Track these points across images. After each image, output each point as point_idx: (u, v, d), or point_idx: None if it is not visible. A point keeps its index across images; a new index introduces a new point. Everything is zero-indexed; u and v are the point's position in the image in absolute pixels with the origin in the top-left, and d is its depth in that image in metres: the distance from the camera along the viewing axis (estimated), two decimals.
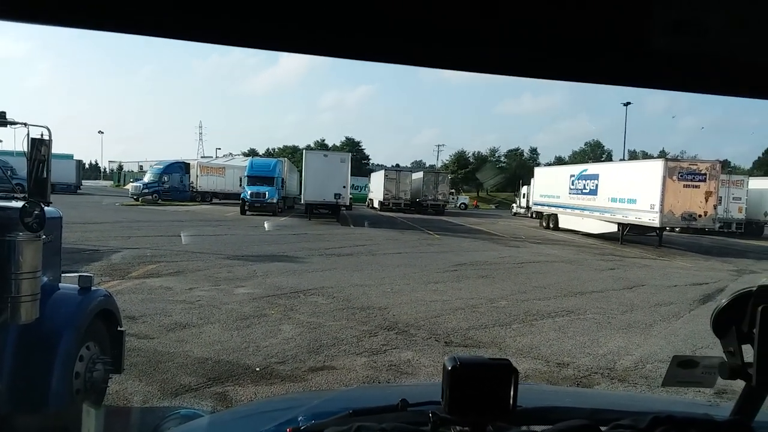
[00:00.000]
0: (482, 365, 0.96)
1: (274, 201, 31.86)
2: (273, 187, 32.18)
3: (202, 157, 77.19)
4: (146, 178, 43.53)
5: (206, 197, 46.72)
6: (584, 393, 3.67)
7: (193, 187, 46.75)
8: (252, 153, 73.47)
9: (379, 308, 8.61)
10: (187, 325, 7.13)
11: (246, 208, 31.26)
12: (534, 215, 37.12)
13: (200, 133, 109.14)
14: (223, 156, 72.81)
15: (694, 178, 21.15)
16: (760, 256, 21.69)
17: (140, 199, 39.81)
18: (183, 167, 46.41)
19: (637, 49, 0.73)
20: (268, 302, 8.64)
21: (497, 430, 1.10)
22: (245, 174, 33.94)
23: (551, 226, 30.79)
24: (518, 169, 78.41)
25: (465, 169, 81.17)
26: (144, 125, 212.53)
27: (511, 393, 0.94)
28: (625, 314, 9.18)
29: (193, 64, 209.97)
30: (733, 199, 32.40)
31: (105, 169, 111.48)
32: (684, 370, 1.29)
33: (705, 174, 21.20)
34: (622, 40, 0.73)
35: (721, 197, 25.23)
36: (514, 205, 53.23)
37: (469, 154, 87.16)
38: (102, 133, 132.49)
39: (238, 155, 67.93)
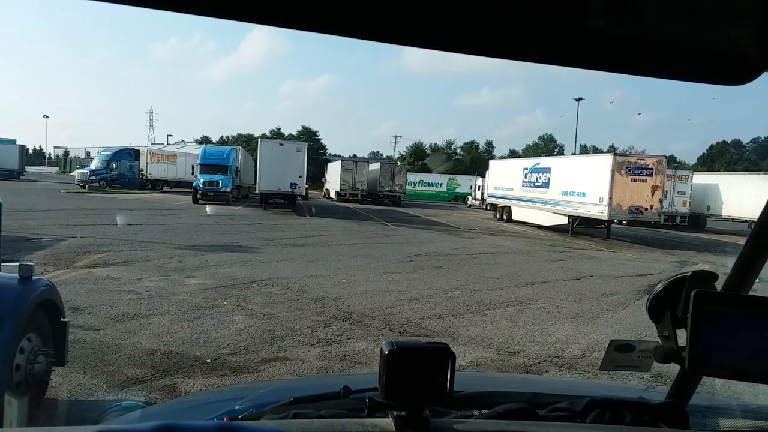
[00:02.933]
0: (419, 349, 0.95)
1: (228, 190, 31.33)
2: (227, 175, 31.62)
3: (152, 144, 75.22)
4: (93, 165, 42.08)
5: (157, 185, 45.52)
6: (527, 379, 3.76)
7: (143, 174, 45.42)
8: (205, 141, 72.00)
9: (334, 299, 8.58)
10: (135, 316, 6.93)
11: (198, 196, 30.62)
12: (489, 207, 37.76)
13: (151, 120, 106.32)
14: (175, 143, 71.16)
15: (641, 172, 21.89)
16: (702, 248, 22.67)
17: (87, 186, 38.55)
18: (132, 154, 45.00)
19: (571, 29, 0.73)
20: (220, 293, 8.48)
21: (434, 413, 1.10)
22: (198, 162, 33.19)
23: (505, 218, 31.35)
24: (474, 161, 79.49)
25: (422, 161, 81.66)
26: (92, 110, 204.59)
27: (448, 377, 0.94)
28: (573, 304, 9.45)
29: (152, 48, 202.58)
30: (678, 193, 33.75)
31: (50, 154, 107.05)
32: (621, 354, 1.31)
33: (652, 169, 21.96)
34: (556, 20, 0.73)
35: (666, 191, 26.26)
36: (469, 197, 53.96)
37: (426, 146, 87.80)
38: (47, 117, 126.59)
39: (191, 143, 66.51)
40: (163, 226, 18.42)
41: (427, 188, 65.84)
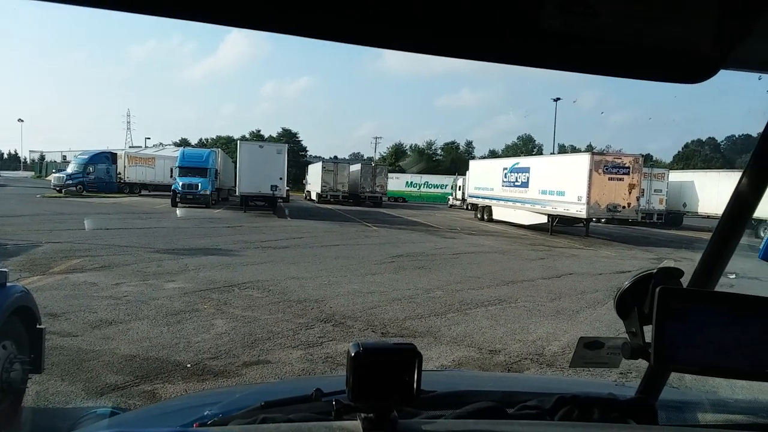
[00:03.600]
0: (386, 350, 0.95)
1: (208, 193, 31.04)
2: (206, 178, 31.32)
3: (130, 146, 74.14)
4: (70, 169, 41.49)
5: (135, 189, 44.95)
6: (505, 377, 3.80)
7: (120, 178, 44.85)
8: (184, 143, 71.21)
9: (315, 300, 8.56)
10: (113, 321, 6.84)
11: (177, 200, 30.31)
12: (469, 207, 37.96)
13: (128, 122, 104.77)
14: (153, 146, 70.21)
15: (618, 171, 22.19)
16: (679, 245, 23.04)
17: (63, 190, 37.95)
18: (110, 157, 44.48)
19: (527, 28, 0.74)
20: (200, 297, 8.41)
21: (404, 415, 1.10)
22: (176, 165, 32.85)
23: (486, 217, 31.56)
24: (454, 162, 79.83)
25: (402, 162, 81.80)
26: (69, 113, 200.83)
27: (415, 377, 0.94)
28: (553, 302, 9.54)
29: (130, 49, 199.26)
30: (655, 191, 34.28)
31: (26, 159, 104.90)
32: (591, 351, 1.32)
33: (629, 167, 22.28)
34: (511, 19, 0.73)
35: (643, 189, 26.58)
36: (450, 197, 54.18)
37: (407, 147, 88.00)
38: (22, 121, 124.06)
39: (169, 145, 65.63)
40: (142, 230, 18.20)
41: (432, 190, 65.44)
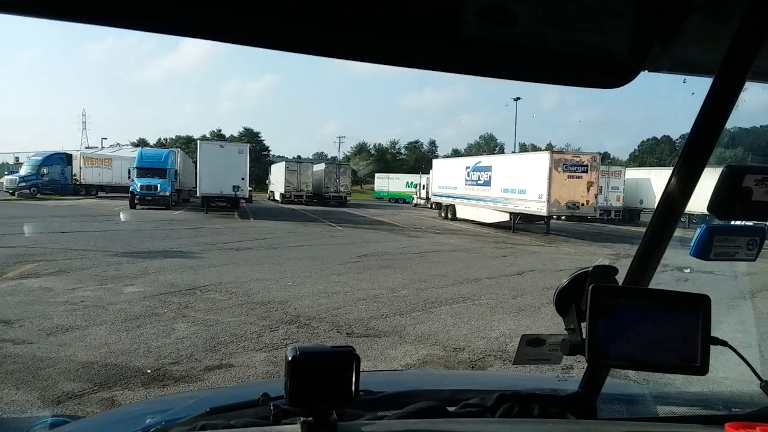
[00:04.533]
0: (323, 354, 0.95)
1: (167, 194, 30.42)
2: (165, 179, 30.70)
3: (86, 147, 72.17)
4: (23, 171, 40.16)
5: (91, 191, 43.85)
6: (454, 375, 3.84)
7: (76, 179, 43.65)
8: (142, 143, 69.66)
9: (280, 302, 8.48)
10: (70, 327, 6.63)
11: (136, 201, 29.68)
12: (433, 206, 38.23)
13: (84, 122, 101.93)
14: (110, 146, 68.49)
15: (577, 169, 22.69)
16: (635, 241, 23.52)
17: (16, 193, 36.74)
18: (64, 158, 43.18)
19: (447, 36, 0.75)
20: (160, 301, 8.23)
21: (347, 417, 1.10)
22: (134, 165, 32.09)
23: (450, 216, 31.83)
24: (418, 160, 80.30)
25: (366, 161, 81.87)
26: (21, 113, 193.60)
27: (353, 379, 0.94)
28: (516, 299, 9.69)
29: (86, 47, 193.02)
30: (612, 188, 35.22)
31: None
32: (533, 348, 1.35)
33: (587, 165, 22.81)
34: (432, 26, 0.75)
35: (601, 187, 27.25)
36: (414, 196, 54.43)
37: (371, 146, 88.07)
38: None
39: (127, 145, 64.11)
40: (99, 233, 17.71)
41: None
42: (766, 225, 1.26)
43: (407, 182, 63.53)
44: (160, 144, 77.74)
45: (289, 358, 0.91)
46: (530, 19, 0.76)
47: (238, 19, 0.70)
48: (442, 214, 33.24)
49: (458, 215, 30.82)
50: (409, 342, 6.74)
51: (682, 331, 1.03)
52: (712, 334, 1.05)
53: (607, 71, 0.89)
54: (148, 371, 5.35)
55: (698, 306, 1.04)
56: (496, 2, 0.74)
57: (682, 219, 1.20)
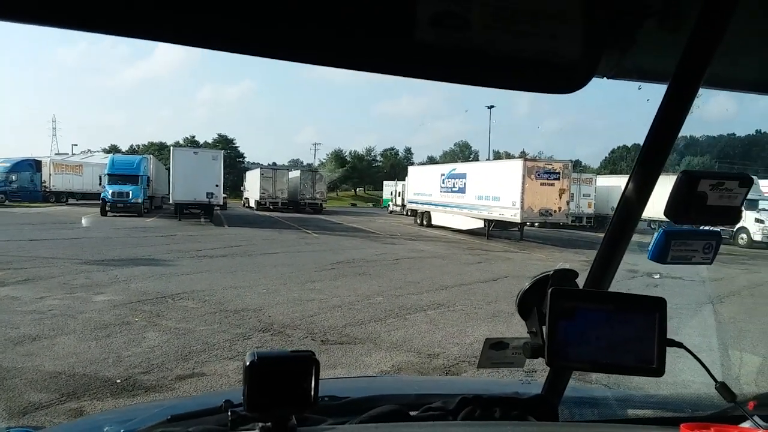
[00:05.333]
0: (282, 359, 0.95)
1: (139, 201, 29.97)
2: (138, 186, 30.23)
3: (56, 154, 70.72)
4: None
5: (61, 198, 42.94)
6: (422, 380, 3.85)
7: (45, 186, 42.66)
8: (114, 150, 68.51)
9: (254, 310, 8.40)
10: (37, 337, 6.48)
11: (107, 208, 29.14)
12: (409, 213, 38.30)
13: (54, 128, 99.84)
14: (81, 153, 67.25)
15: (549, 176, 22.99)
16: None
17: None
18: (34, 165, 42.31)
19: (400, 40, 0.77)
20: (131, 309, 8.09)
21: (309, 422, 1.10)
22: (105, 172, 31.53)
23: (425, 223, 31.92)
24: (394, 167, 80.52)
25: (342, 168, 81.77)
26: None
27: (312, 384, 0.94)
28: (490, 305, 9.77)
29: (58, 51, 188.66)
30: (584, 195, 35.72)
31: None
32: (496, 351, 1.36)
33: (559, 173, 23.13)
34: (385, 31, 0.76)
35: (573, 194, 27.64)
36: (390, 203, 54.48)
37: (347, 153, 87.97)
38: None
39: (98, 152, 63.00)
40: (69, 240, 17.34)
41: None
42: (721, 229, 1.31)
43: None
44: (133, 150, 76.52)
45: (247, 364, 0.91)
46: (482, 24, 0.77)
47: (181, 18, 0.70)
48: (418, 221, 33.31)
49: (433, 222, 30.92)
50: (384, 349, 6.74)
51: (639, 334, 1.05)
52: (675, 338, 1.08)
53: (559, 76, 0.91)
54: (118, 381, 5.26)
55: (655, 309, 1.06)
56: (448, 7, 0.75)
57: (652, 226, 1.23)
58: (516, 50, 0.83)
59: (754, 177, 30.32)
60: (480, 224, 25.76)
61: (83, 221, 22.87)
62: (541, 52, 0.84)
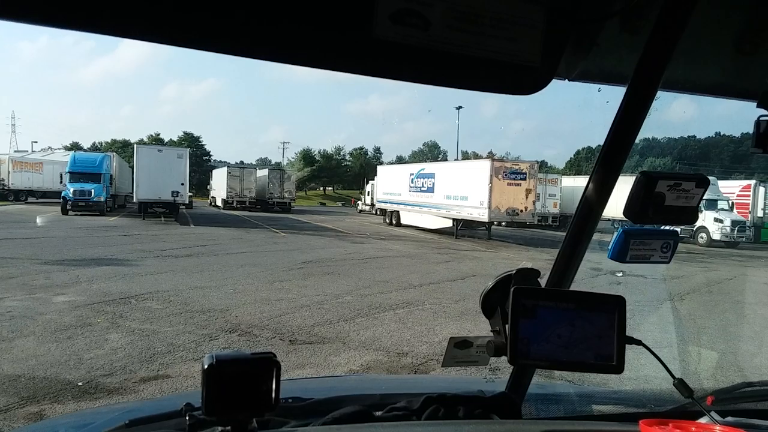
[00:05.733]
0: (241, 361, 0.93)
1: (102, 199, 29.28)
2: (100, 184, 29.53)
3: (15, 151, 68.43)
4: None
5: (21, 196, 41.67)
6: (379, 379, 3.86)
7: (4, 184, 41.30)
8: (75, 147, 66.73)
9: (220, 310, 8.29)
10: None
11: (68, 207, 28.39)
12: (378, 212, 38.32)
13: (13, 125, 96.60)
14: (41, 150, 65.29)
15: (516, 176, 23.31)
16: None
17: None
18: None
19: (360, 38, 0.77)
20: (93, 310, 7.89)
21: (266, 425, 1.09)
22: (67, 170, 30.69)
23: (394, 222, 31.98)
24: (363, 167, 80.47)
25: (311, 167, 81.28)
26: None
27: (273, 386, 0.92)
28: (458, 303, 9.85)
29: (18, 46, 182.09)
30: (549, 195, 36.31)
31: None
32: (460, 350, 1.37)
33: (525, 173, 23.47)
34: (345, 28, 0.76)
35: (539, 194, 28.09)
36: (359, 202, 54.40)
37: (315, 152, 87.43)
38: None
39: (59, 149, 61.24)
40: (28, 240, 16.83)
41: None
42: (680, 228, 1.34)
43: None
44: (95, 148, 74.65)
45: (205, 366, 0.89)
46: (442, 24, 0.78)
47: (127, 11, 0.70)
48: (387, 221, 33.35)
49: (402, 221, 31.01)
50: (352, 348, 6.74)
51: (599, 331, 1.07)
52: (637, 334, 1.10)
53: (520, 78, 0.92)
54: (80, 384, 5.13)
55: (614, 307, 1.08)
56: (409, 6, 0.76)
57: (615, 225, 1.26)
58: (477, 51, 0.83)
59: (713, 178, 31.41)
60: (448, 223, 25.95)
61: (38, 220, 22.22)
62: (502, 54, 0.85)
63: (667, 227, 1.22)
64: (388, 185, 32.90)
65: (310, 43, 0.76)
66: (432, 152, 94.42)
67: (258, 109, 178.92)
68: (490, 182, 22.69)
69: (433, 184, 27.14)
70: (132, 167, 31.81)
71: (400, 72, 0.88)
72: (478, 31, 0.80)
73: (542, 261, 17.73)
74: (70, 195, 28.63)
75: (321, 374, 5.62)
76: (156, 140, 73.69)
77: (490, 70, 0.88)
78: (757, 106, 1.17)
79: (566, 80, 1.16)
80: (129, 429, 1.15)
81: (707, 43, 1.10)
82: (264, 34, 0.74)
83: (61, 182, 32.54)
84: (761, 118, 1.17)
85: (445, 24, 0.78)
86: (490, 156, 42.36)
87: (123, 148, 66.78)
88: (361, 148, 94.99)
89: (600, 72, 1.20)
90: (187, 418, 1.04)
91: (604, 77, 1.23)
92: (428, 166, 30.01)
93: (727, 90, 1.33)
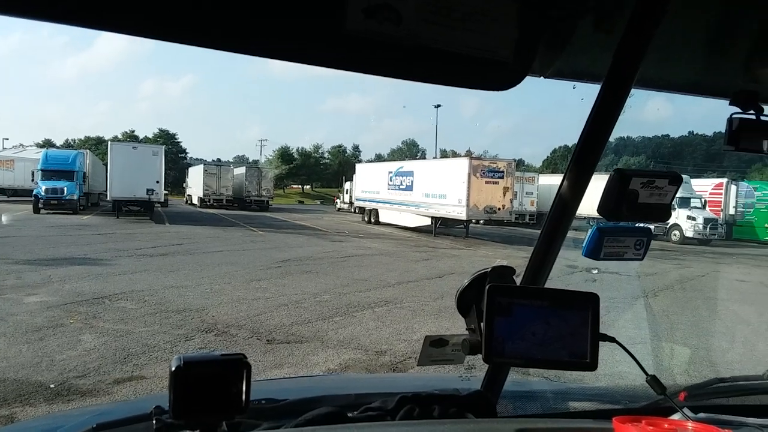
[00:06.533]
0: (210, 362, 0.91)
1: (75, 197, 28.74)
2: (73, 182, 28.98)
3: None
4: None
5: None
6: (354, 378, 3.86)
7: None
8: (48, 144, 65.38)
9: (196, 310, 8.20)
10: None
11: (40, 205, 27.82)
12: (357, 210, 38.29)
13: None
14: (13, 147, 63.76)
15: (494, 175, 23.49)
16: None
17: None
18: None
19: (332, 32, 0.76)
20: (66, 311, 7.74)
21: (237, 427, 1.07)
22: (39, 168, 30.09)
23: (373, 220, 31.98)
24: (341, 165, 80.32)
25: (289, 165, 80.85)
26: None
27: (243, 388, 0.91)
28: (436, 301, 9.88)
29: None
30: (527, 193, 36.66)
31: None
32: (436, 349, 1.37)
33: (503, 171, 23.66)
34: (316, 22, 0.75)
35: (516, 192, 28.31)
36: (337, 200, 54.28)
37: (294, 150, 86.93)
38: None
39: (31, 146, 59.84)
40: None
41: None
42: (653, 226, 1.35)
43: None
44: (68, 145, 73.15)
45: (173, 368, 0.86)
46: (415, 18, 0.77)
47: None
48: (366, 219, 33.33)
49: (381, 219, 31.02)
50: (331, 347, 6.71)
51: (573, 329, 1.07)
52: (611, 331, 1.10)
53: (493, 74, 0.91)
54: (52, 386, 5.02)
55: (588, 304, 1.08)
56: (381, 0, 0.75)
57: (590, 223, 1.27)
58: (450, 46, 0.83)
59: (686, 176, 32.04)
60: (427, 221, 26.04)
61: (3, 218, 21.75)
62: (475, 49, 0.84)
63: (641, 224, 1.23)
64: (367, 183, 32.88)
65: (283, 37, 0.75)
66: (411, 150, 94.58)
67: (236, 107, 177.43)
68: (468, 180, 22.83)
69: (412, 182, 27.20)
70: (106, 165, 31.29)
71: (373, 66, 0.87)
72: (451, 26, 0.80)
73: (519, 259, 17.83)
74: (42, 193, 28.07)
75: (299, 374, 5.59)
76: (131, 137, 72.53)
77: (463, 65, 0.87)
78: (730, 104, 1.19)
79: (541, 77, 1.16)
80: None
81: (681, 41, 1.11)
82: (236, 27, 0.73)
83: (32, 180, 31.89)
84: (733, 116, 1.18)
85: (419, 18, 0.78)
86: (469, 154, 42.61)
87: (97, 145, 65.65)
88: (339, 146, 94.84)
89: (575, 70, 1.21)
90: (155, 421, 1.01)
91: (579, 75, 1.23)
92: (407, 165, 30.07)
93: (700, 88, 1.34)
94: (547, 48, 1.01)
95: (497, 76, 0.92)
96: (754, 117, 1.18)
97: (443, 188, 24.34)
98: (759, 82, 1.14)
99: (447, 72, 0.90)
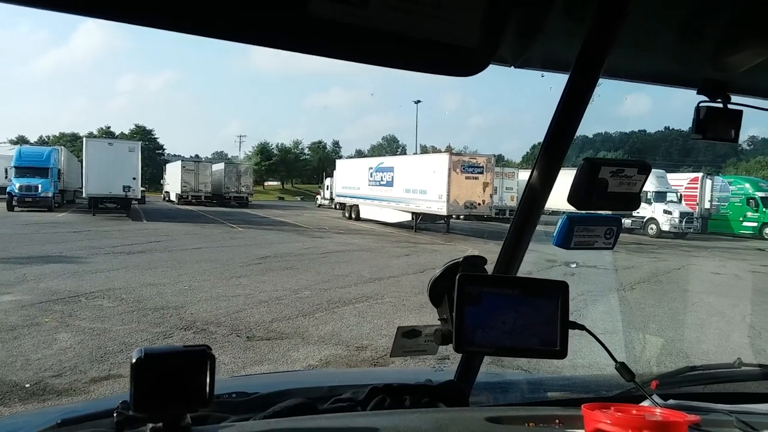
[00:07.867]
0: (172, 354, 0.90)
1: (49, 195, 28.29)
2: (47, 179, 28.52)
3: None
4: None
5: None
6: (328, 373, 3.85)
7: None
8: (21, 141, 64.05)
9: (174, 307, 8.11)
10: None
11: (14, 203, 27.32)
12: (337, 206, 38.20)
13: None
14: None
15: (473, 170, 23.60)
16: None
17: None
18: None
19: (296, 14, 0.76)
20: (41, 309, 7.60)
21: (204, 420, 1.06)
22: (12, 165, 29.52)
23: (353, 216, 31.94)
24: (321, 161, 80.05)
25: (269, 161, 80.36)
26: None
27: (208, 380, 0.89)
28: (417, 296, 9.90)
29: None
30: (506, 189, 36.88)
31: None
32: (409, 339, 1.36)
33: (483, 167, 23.79)
34: (280, 4, 0.75)
35: (496, 187, 28.48)
36: (318, 196, 54.08)
37: (273, 146, 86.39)
38: None
39: (4, 143, 58.58)
40: None
41: None
42: (630, 221, 1.37)
43: None
44: (43, 142, 71.79)
45: (133, 361, 0.85)
46: (381, 2, 0.77)
47: None
48: (346, 215, 33.28)
49: (362, 215, 31.00)
50: (312, 343, 6.70)
51: (543, 317, 1.08)
52: (586, 321, 1.11)
53: (457, 59, 0.91)
54: (27, 386, 4.94)
55: (557, 292, 1.09)
56: None
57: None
58: (414, 30, 0.82)
59: (662, 171, 32.50)
60: (408, 217, 26.09)
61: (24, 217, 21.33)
62: (440, 33, 0.84)
63: (610, 213, 1.24)
64: (348, 179, 32.81)
65: (244, 19, 0.74)
66: (391, 146, 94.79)
67: (215, 103, 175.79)
68: (449, 176, 22.91)
69: (392, 177, 27.21)
70: (81, 161, 30.80)
71: (336, 50, 0.86)
72: (415, 9, 0.79)
73: (497, 253, 18.01)
74: (16, 190, 27.64)
75: (279, 370, 5.57)
76: (106, 133, 71.47)
77: (428, 50, 0.87)
78: (697, 93, 1.21)
79: (512, 67, 1.16)
80: (60, 429, 1.10)
81: (649, 30, 1.11)
82: (197, 9, 0.72)
83: (6, 177, 31.27)
84: (701, 105, 1.20)
85: (385, 3, 0.77)
86: (449, 150, 42.69)
87: (72, 141, 64.58)
88: (319, 142, 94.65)
89: (545, 59, 1.21)
90: (115, 415, 0.99)
91: (550, 65, 1.23)
92: (387, 160, 30.06)
93: (669, 78, 1.34)
94: (516, 36, 1.01)
95: (462, 62, 0.92)
96: (721, 106, 1.20)
97: (423, 184, 24.39)
98: (726, 71, 1.15)
99: (411, 56, 0.89)
